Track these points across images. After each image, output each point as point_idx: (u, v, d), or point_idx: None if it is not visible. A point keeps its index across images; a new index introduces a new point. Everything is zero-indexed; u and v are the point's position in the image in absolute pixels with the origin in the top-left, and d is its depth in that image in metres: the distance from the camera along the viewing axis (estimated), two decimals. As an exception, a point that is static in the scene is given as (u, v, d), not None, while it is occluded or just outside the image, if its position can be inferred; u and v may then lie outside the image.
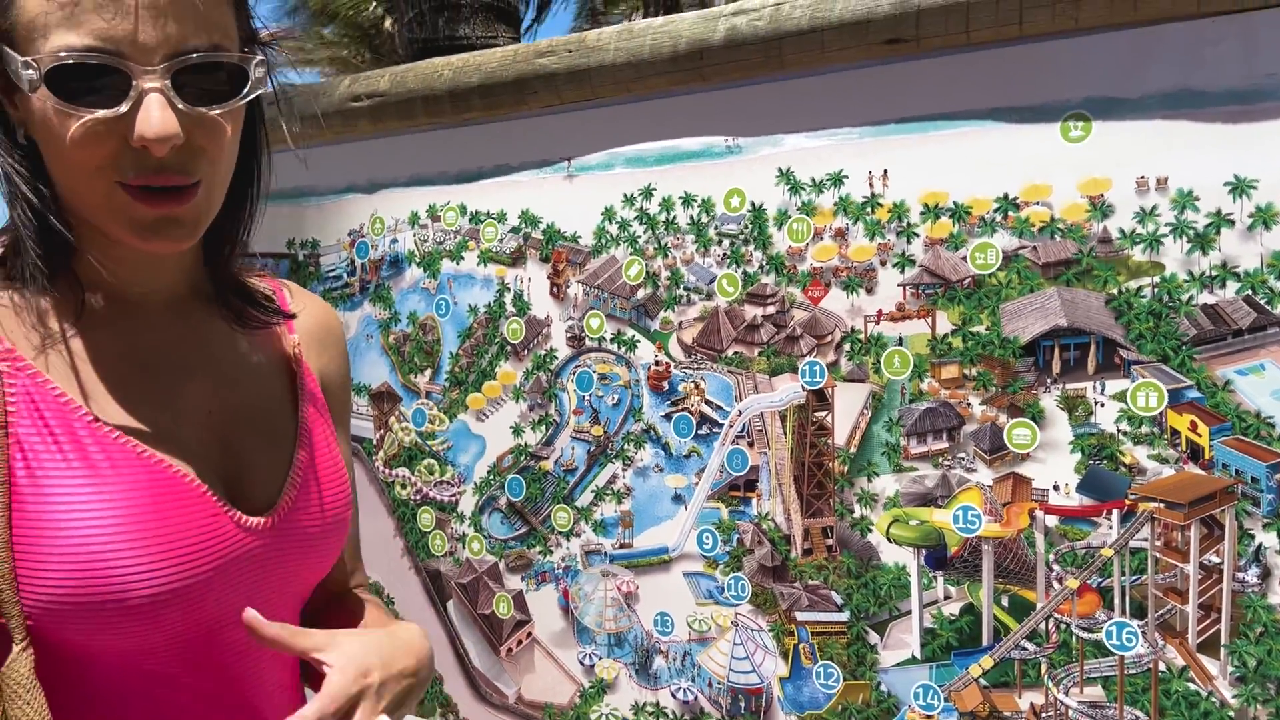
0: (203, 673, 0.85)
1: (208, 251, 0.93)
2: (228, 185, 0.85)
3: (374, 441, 1.69)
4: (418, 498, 1.64)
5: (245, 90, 0.80)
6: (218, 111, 0.79)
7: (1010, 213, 1.17)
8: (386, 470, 1.68)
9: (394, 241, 1.67)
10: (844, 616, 1.27)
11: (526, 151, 1.52)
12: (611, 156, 1.44)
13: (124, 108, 0.75)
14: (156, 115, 0.75)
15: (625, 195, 1.43)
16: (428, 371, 1.63)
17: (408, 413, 1.65)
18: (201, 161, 0.80)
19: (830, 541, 1.28)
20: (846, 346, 1.26)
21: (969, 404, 1.20)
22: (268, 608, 0.87)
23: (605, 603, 1.45)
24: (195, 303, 0.94)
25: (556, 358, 1.50)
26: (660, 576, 1.40)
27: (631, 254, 1.42)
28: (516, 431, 1.54)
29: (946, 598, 1.22)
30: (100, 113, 0.75)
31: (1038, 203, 1.16)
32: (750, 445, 1.33)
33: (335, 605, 1.06)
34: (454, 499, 1.60)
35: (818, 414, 1.28)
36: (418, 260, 1.64)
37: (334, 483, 0.96)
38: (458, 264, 1.60)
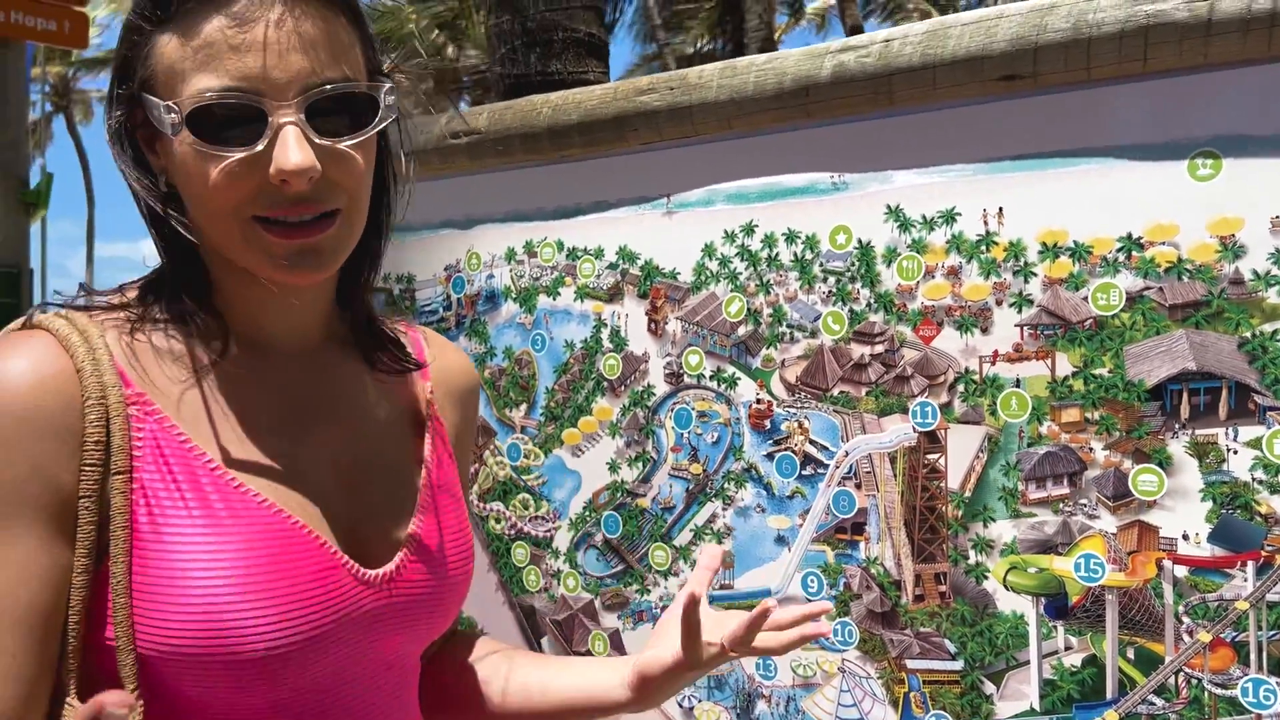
0: None
1: (341, 292, 0.94)
2: (365, 218, 0.86)
3: (470, 476, 1.70)
4: (512, 532, 1.64)
5: (377, 119, 0.81)
6: (351, 143, 0.80)
7: (1134, 252, 1.14)
8: (480, 504, 1.68)
9: (490, 277, 1.67)
10: (958, 665, 1.24)
11: (625, 188, 1.52)
12: (712, 193, 1.44)
13: (260, 145, 0.77)
14: (294, 149, 0.77)
15: (726, 232, 1.42)
16: (523, 406, 1.63)
17: (502, 447, 1.66)
18: (337, 193, 0.81)
19: (943, 588, 1.25)
20: (960, 387, 1.23)
21: (1091, 448, 1.16)
22: (383, 664, 0.88)
23: (705, 644, 1.43)
24: (328, 349, 0.94)
25: (654, 394, 1.49)
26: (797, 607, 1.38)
27: (732, 290, 1.41)
28: (613, 468, 1.53)
29: (1067, 648, 1.18)
30: (238, 152, 0.77)
31: (1163, 243, 1.12)
32: (858, 487, 1.31)
33: (441, 652, 1.05)
34: (549, 534, 1.60)
35: (930, 456, 1.26)
36: (514, 295, 1.65)
37: (456, 541, 0.94)
38: (554, 299, 1.60)
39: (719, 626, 0.95)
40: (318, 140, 0.79)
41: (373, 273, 0.96)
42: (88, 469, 0.76)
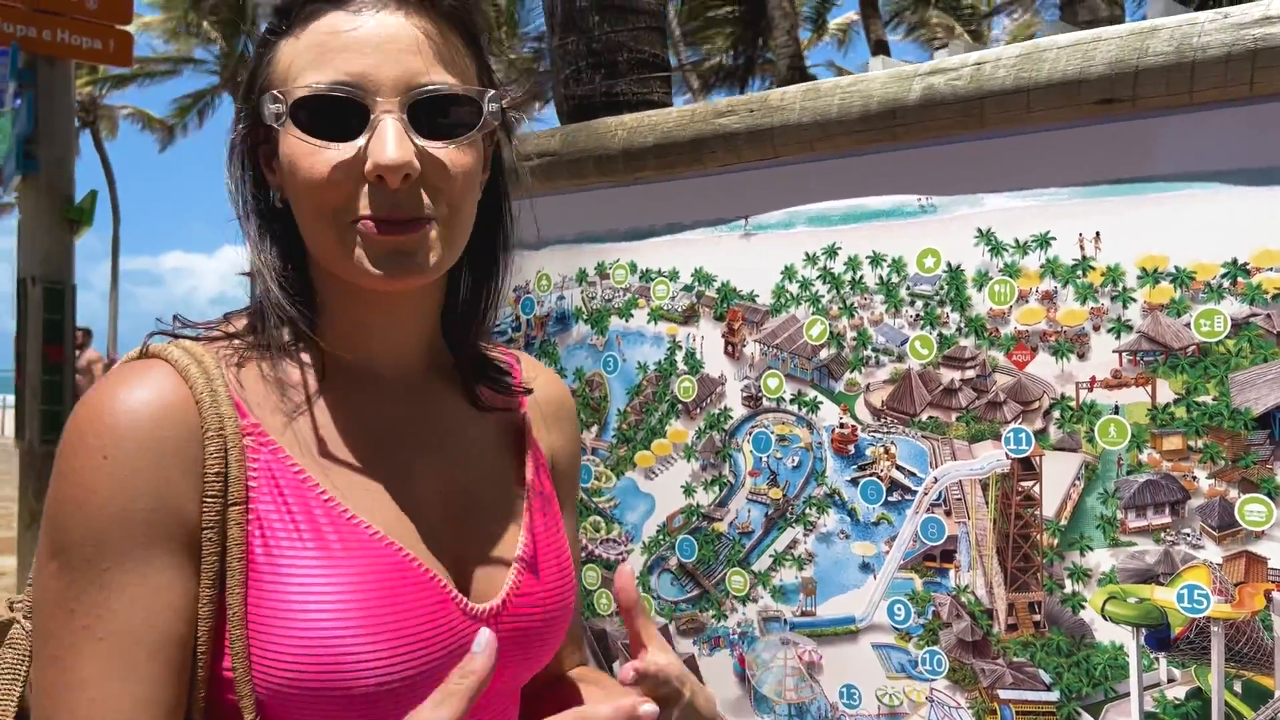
0: None
1: (446, 320, 0.93)
2: (468, 234, 0.85)
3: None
4: (583, 555, 1.63)
5: (479, 125, 0.81)
6: (452, 146, 0.80)
7: (1240, 279, 1.12)
8: (549, 527, 1.67)
9: (560, 298, 1.67)
10: (1053, 696, 1.21)
11: (701, 210, 1.52)
12: (792, 215, 1.43)
13: (361, 140, 0.78)
14: (392, 142, 0.77)
15: (807, 254, 1.41)
16: (594, 428, 1.62)
17: (572, 469, 1.64)
18: (438, 201, 0.81)
19: (1038, 617, 1.23)
20: (1056, 414, 1.22)
21: (1194, 477, 1.14)
22: (486, 698, 0.85)
23: (785, 671, 1.41)
24: (430, 376, 0.93)
25: (731, 417, 1.48)
26: (846, 647, 1.36)
27: (814, 313, 1.40)
28: (688, 491, 1.52)
29: (1170, 680, 1.16)
30: (338, 145, 0.78)
31: (1271, 269, 1.10)
32: (947, 514, 1.29)
33: (551, 691, 1.03)
34: (621, 557, 1.59)
35: (1024, 483, 1.24)
36: (585, 317, 1.64)
37: (558, 571, 0.93)
38: (626, 321, 1.59)
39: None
40: (418, 140, 0.79)
41: (492, 305, 0.95)
42: (209, 500, 0.76)
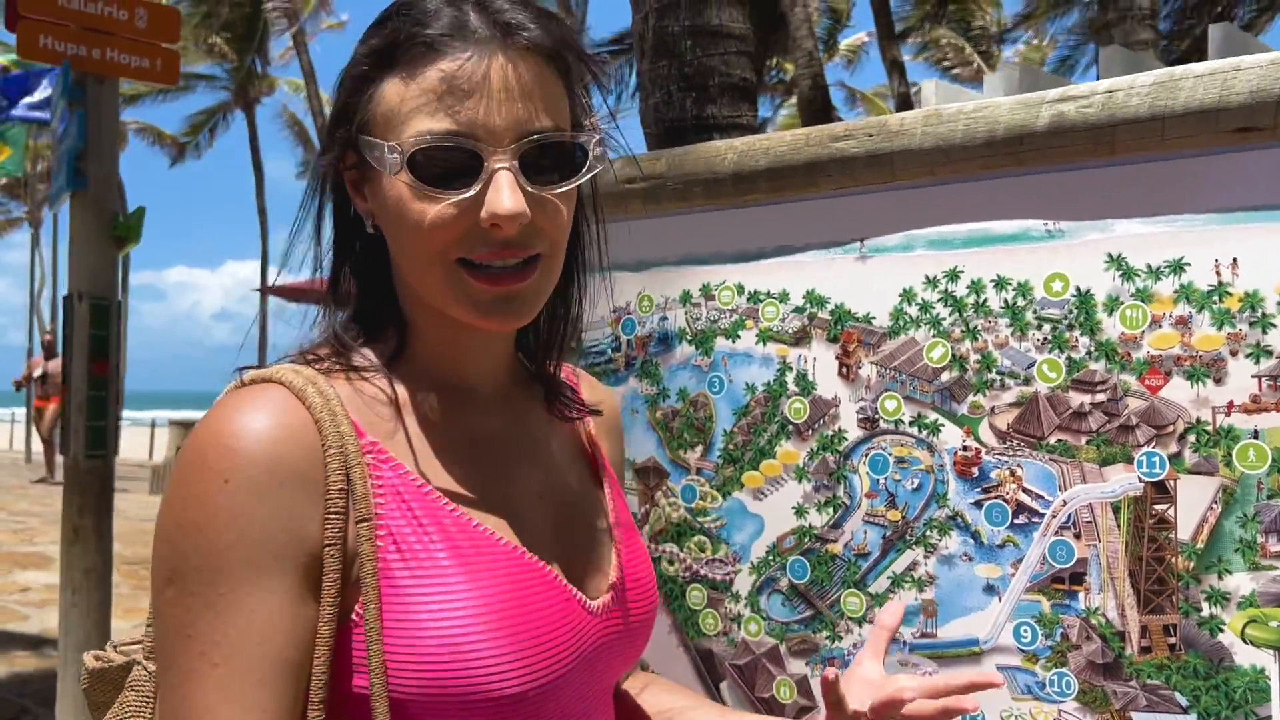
0: None
1: (526, 340, 1.00)
2: (561, 265, 0.89)
3: (638, 516, 1.69)
4: (687, 574, 1.64)
5: (585, 169, 0.85)
6: (560, 191, 0.83)
7: (1385, 304, 1.13)
8: (652, 546, 1.68)
9: (663, 319, 1.68)
10: (1190, 719, 1.22)
11: (814, 232, 1.53)
12: (910, 238, 1.44)
13: (474, 190, 0.80)
14: (507, 194, 0.80)
15: (927, 277, 1.42)
16: (698, 448, 1.63)
17: (676, 488, 1.65)
18: (541, 239, 0.84)
19: (1173, 640, 1.23)
20: (1191, 438, 1.23)
21: (1338, 502, 1.15)
22: (596, 696, 0.90)
23: (904, 692, 1.42)
24: (515, 391, 0.98)
25: (846, 439, 1.49)
26: (969, 669, 1.37)
27: (935, 336, 1.41)
28: (799, 512, 1.53)
29: (1314, 705, 1.16)
30: (453, 195, 0.80)
31: None
32: (1077, 536, 1.30)
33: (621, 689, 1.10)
34: (728, 578, 1.59)
35: (1157, 507, 1.24)
36: (689, 338, 1.65)
37: (646, 568, 0.99)
38: (733, 342, 1.60)
39: (889, 692, 0.95)
40: (529, 188, 0.81)
41: (572, 328, 1.01)
42: (332, 517, 0.77)
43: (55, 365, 13.39)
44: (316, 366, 0.85)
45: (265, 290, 21.35)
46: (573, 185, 0.85)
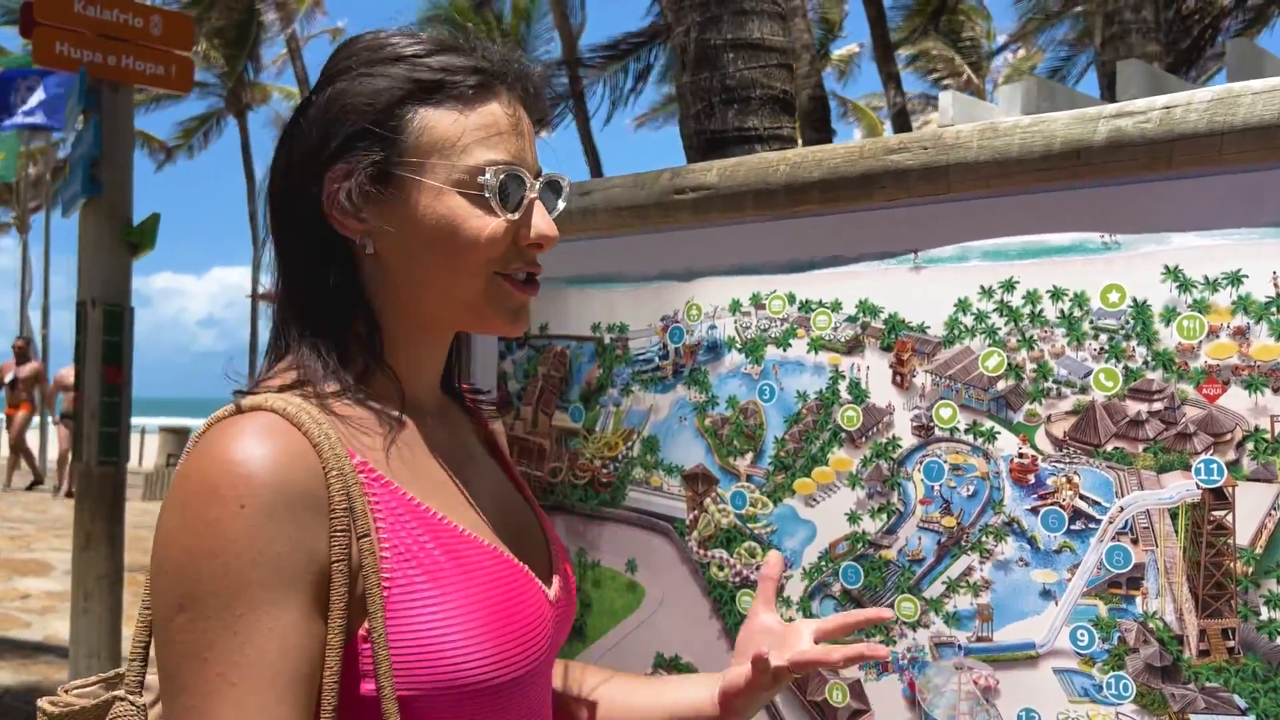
0: None
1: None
2: None
3: (687, 522, 1.72)
4: (737, 580, 1.66)
5: (563, 199, 1.04)
6: (555, 218, 1.01)
7: None
8: (701, 551, 1.70)
9: (712, 328, 1.71)
10: (1249, 721, 1.25)
11: (866, 243, 1.56)
12: (965, 250, 1.47)
13: (520, 213, 0.95)
14: (548, 219, 0.98)
15: (982, 287, 1.45)
16: (748, 455, 1.66)
17: (725, 494, 1.68)
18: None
19: (1231, 643, 1.26)
20: (1249, 445, 1.26)
21: (1396, 508, 1.18)
22: (549, 681, 1.04)
23: (959, 696, 1.44)
24: (445, 404, 1.09)
25: (900, 446, 1.51)
26: (1025, 672, 1.39)
27: (990, 345, 1.44)
28: (853, 519, 1.55)
29: (1373, 707, 1.19)
30: (509, 215, 0.94)
31: None
32: (1134, 542, 1.33)
33: None
34: (780, 583, 1.61)
35: (1215, 513, 1.27)
36: (738, 347, 1.68)
37: (565, 554, 1.11)
38: (784, 351, 1.63)
39: (790, 640, 1.13)
40: (550, 214, 1.00)
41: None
42: (338, 534, 0.83)
43: (26, 370, 13.29)
44: (299, 391, 0.90)
45: (256, 296, 21.32)
46: (559, 212, 1.03)
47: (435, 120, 0.93)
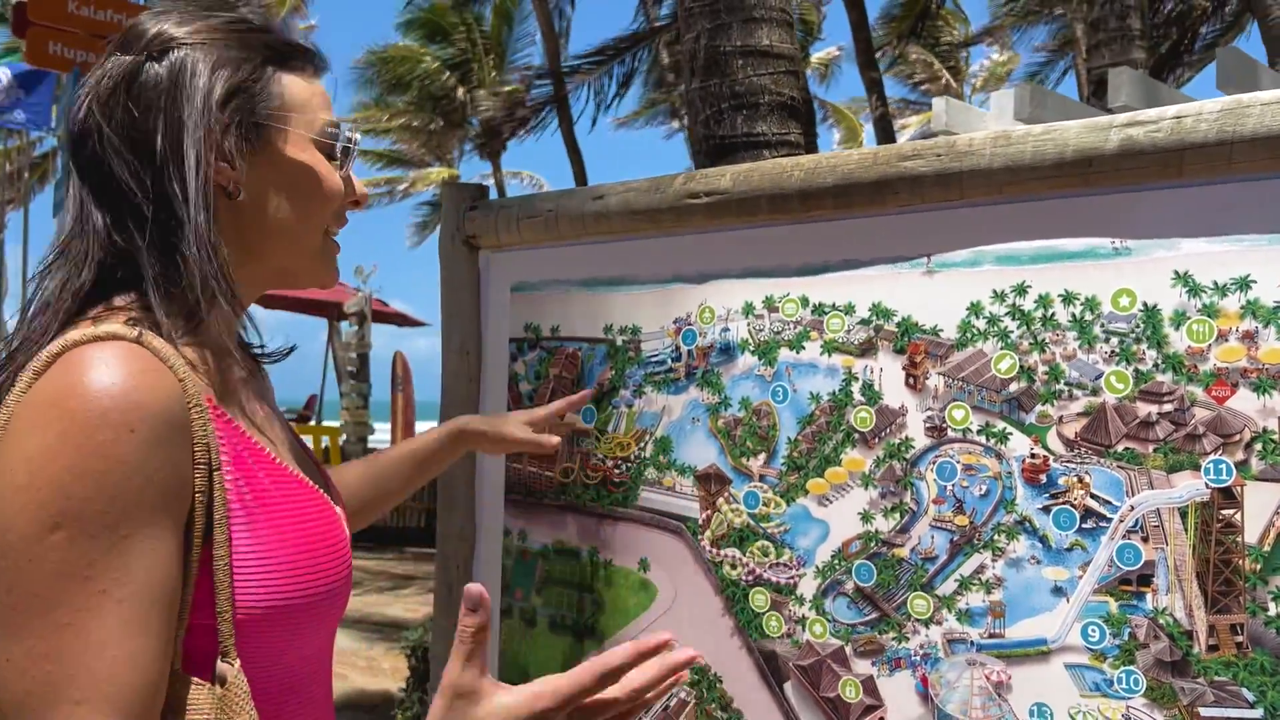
0: (316, 681, 1.01)
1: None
2: None
3: (699, 522, 1.74)
4: (750, 578, 1.68)
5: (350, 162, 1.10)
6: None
7: None
8: (714, 550, 1.72)
9: (725, 330, 1.73)
10: (1257, 714, 1.28)
11: (880, 247, 1.59)
12: (978, 254, 1.50)
13: (347, 169, 1.09)
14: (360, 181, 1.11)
15: (995, 291, 1.48)
16: (761, 456, 1.68)
17: (739, 494, 1.70)
18: None
19: (1240, 638, 1.30)
20: (1258, 446, 1.29)
21: (1400, 506, 1.22)
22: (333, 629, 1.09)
23: (972, 691, 1.47)
24: (241, 354, 1.13)
25: (913, 447, 1.54)
26: (1037, 668, 1.42)
27: (1003, 348, 1.47)
28: (865, 518, 1.58)
29: (1377, 699, 1.23)
30: (336, 170, 1.06)
31: None
32: (1144, 540, 1.36)
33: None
34: (792, 581, 1.64)
35: (1224, 511, 1.31)
36: (751, 349, 1.70)
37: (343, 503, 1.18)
38: (797, 353, 1.66)
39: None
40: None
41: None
42: (199, 466, 0.87)
43: None
44: (144, 328, 0.90)
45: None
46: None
47: (290, 83, 1.03)
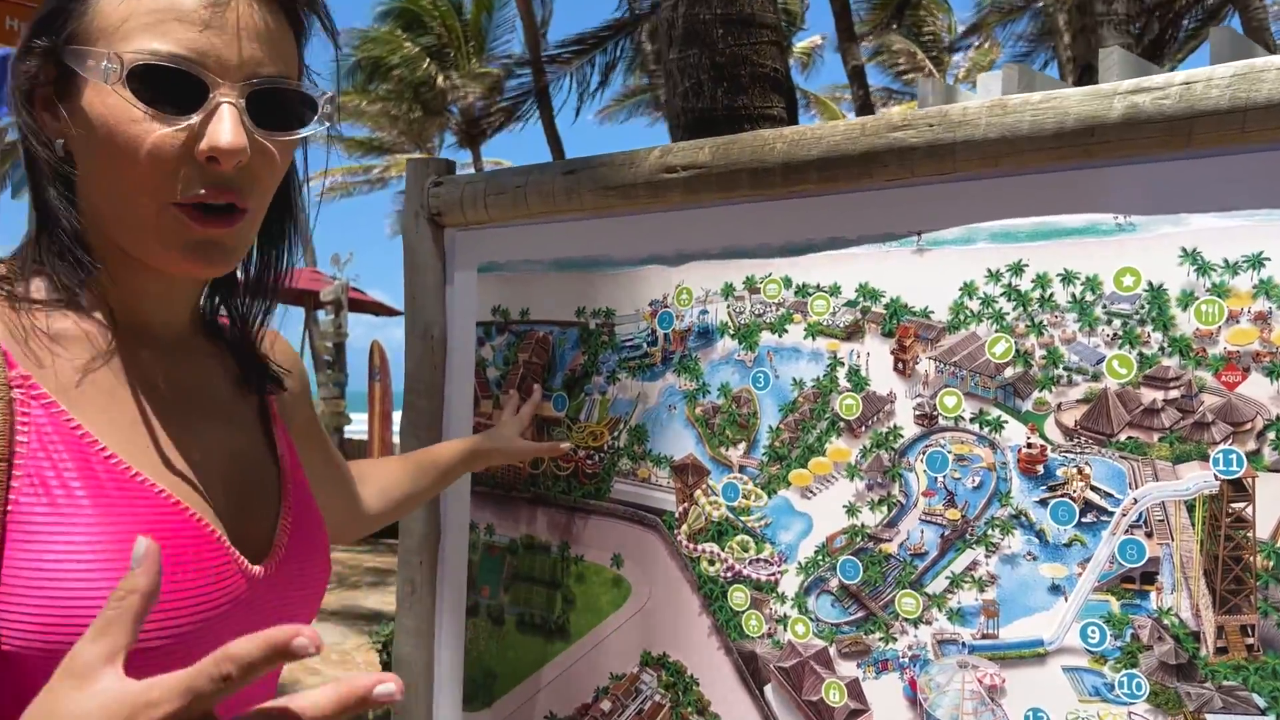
0: None
1: (226, 295, 0.99)
2: (259, 226, 0.90)
3: (675, 515, 1.65)
4: (728, 575, 1.59)
5: (313, 123, 0.86)
6: (284, 140, 0.84)
7: None
8: (690, 545, 1.63)
9: (703, 313, 1.64)
10: (1269, 721, 1.20)
11: (867, 224, 1.49)
12: (972, 231, 1.41)
13: (196, 117, 0.79)
14: (229, 126, 0.79)
15: (990, 271, 1.39)
16: (741, 445, 1.59)
17: (717, 486, 1.61)
18: (254, 190, 0.84)
19: (1251, 640, 1.21)
20: (1271, 435, 1.21)
21: None
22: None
23: (963, 695, 1.39)
24: (199, 342, 0.97)
25: (901, 436, 1.45)
26: (1032, 670, 1.34)
27: (997, 331, 1.38)
28: (851, 511, 1.49)
29: (1398, 705, 1.15)
30: (172, 119, 0.78)
31: None
32: (1148, 535, 1.28)
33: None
34: (773, 578, 1.55)
35: (1235, 505, 1.23)
36: (731, 332, 1.61)
37: (318, 527, 0.99)
38: (779, 336, 1.56)
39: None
40: (253, 129, 0.81)
41: (275, 292, 1.00)
42: None
43: None
44: None
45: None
46: (297, 137, 0.85)
47: (104, 4, 0.80)
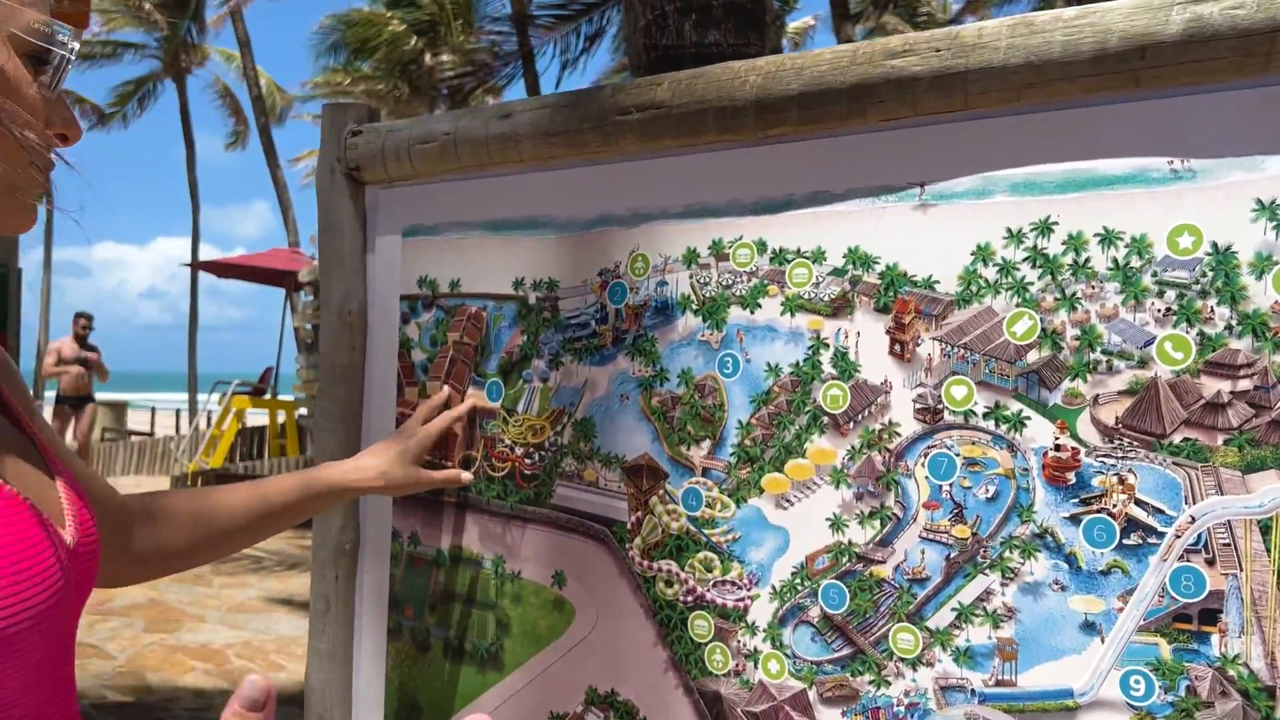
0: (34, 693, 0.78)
1: None
2: None
3: (628, 526, 1.38)
4: (689, 599, 1.33)
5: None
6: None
7: None
8: (645, 563, 1.36)
9: (661, 284, 1.36)
10: (1365, 803, 0.94)
11: (858, 175, 1.22)
12: (988, 181, 1.14)
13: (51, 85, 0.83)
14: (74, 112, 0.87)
15: (1010, 230, 1.12)
16: (705, 443, 1.32)
17: (676, 493, 1.34)
18: None
19: (1342, 699, 0.95)
20: (1372, 438, 0.94)
21: None
22: (70, 637, 0.86)
23: (972, 754, 1.12)
24: None
25: (898, 434, 1.18)
26: None
27: (1019, 305, 1.11)
28: (836, 526, 1.22)
29: None
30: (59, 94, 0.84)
31: None
32: (1209, 563, 1.01)
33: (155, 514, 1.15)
34: (741, 605, 1.29)
35: (1323, 527, 0.96)
36: (694, 307, 1.33)
37: (84, 496, 0.95)
38: (751, 313, 1.29)
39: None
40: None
41: None
42: None
43: (91, 357, 12.39)
44: None
45: (195, 265, 20.57)
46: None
47: None
